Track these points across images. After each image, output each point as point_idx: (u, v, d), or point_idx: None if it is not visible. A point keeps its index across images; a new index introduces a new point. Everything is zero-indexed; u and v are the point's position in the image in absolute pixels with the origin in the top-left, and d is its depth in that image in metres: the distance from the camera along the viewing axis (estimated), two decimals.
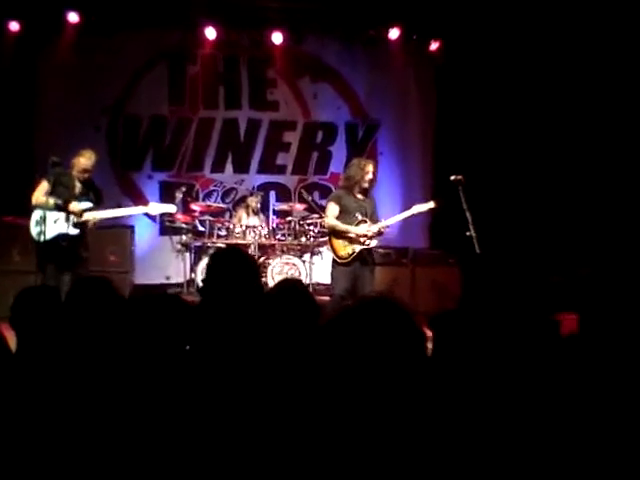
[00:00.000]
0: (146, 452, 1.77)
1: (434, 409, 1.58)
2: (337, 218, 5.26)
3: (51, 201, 5.21)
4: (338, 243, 5.23)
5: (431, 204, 5.48)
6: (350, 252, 5.18)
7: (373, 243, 5.27)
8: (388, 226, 5.38)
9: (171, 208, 6.04)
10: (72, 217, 5.27)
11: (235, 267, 2.53)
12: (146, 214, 6.77)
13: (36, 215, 5.24)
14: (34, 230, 5.22)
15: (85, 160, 5.37)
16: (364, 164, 5.28)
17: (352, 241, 5.19)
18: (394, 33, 8.42)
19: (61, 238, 5.27)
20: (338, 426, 1.51)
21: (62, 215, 5.25)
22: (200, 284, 6.88)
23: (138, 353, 2.20)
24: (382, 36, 8.48)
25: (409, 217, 5.56)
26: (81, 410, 1.90)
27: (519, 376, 1.87)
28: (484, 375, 1.87)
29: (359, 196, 5.27)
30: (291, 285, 2.52)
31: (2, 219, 7.06)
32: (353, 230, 5.19)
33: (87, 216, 5.31)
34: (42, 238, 5.12)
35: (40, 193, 5.27)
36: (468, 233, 5.20)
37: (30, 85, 7.89)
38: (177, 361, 2.26)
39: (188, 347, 2.39)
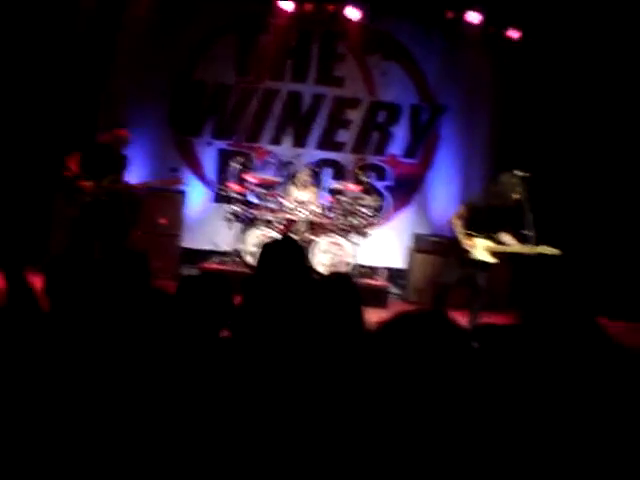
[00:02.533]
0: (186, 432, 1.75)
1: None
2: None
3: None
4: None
5: (557, 251, 5.27)
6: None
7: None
8: None
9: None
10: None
11: (287, 258, 2.48)
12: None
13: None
14: None
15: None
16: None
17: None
18: (473, 17, 8.12)
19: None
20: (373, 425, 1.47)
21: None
22: (247, 258, 6.88)
23: (176, 332, 2.16)
24: (460, 20, 8.18)
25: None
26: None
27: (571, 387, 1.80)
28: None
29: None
30: (339, 279, 2.45)
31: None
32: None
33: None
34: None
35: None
36: (526, 232, 5.05)
37: (109, 41, 7.94)
38: (214, 345, 2.22)
39: (229, 330, 2.35)
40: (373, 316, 2.34)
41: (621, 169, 7.49)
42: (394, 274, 7.85)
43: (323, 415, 1.72)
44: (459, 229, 5.49)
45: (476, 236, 5.42)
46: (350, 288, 2.46)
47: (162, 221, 7.18)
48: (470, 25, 8.19)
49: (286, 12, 8.17)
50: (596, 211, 7.57)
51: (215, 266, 7.14)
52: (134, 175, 7.91)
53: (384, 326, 1.61)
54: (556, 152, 7.81)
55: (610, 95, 7.48)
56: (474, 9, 8.07)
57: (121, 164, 5.97)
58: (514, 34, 8.14)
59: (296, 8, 8.15)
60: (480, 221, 5.40)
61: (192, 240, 7.89)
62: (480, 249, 5.44)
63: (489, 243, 5.43)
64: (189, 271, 7.14)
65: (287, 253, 2.70)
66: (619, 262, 7.34)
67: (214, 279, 2.35)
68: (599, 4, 7.14)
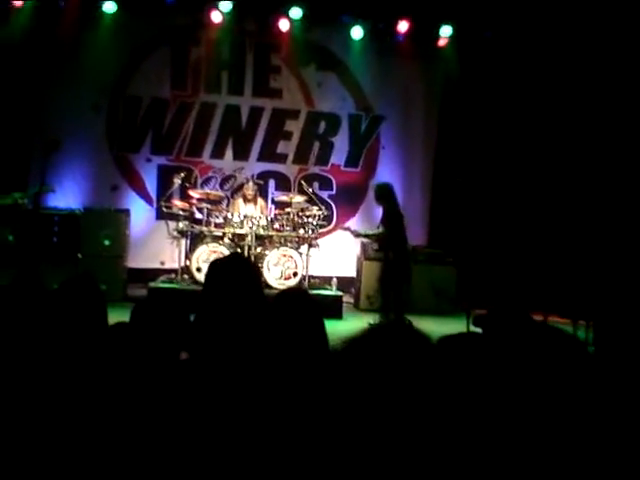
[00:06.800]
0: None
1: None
2: None
3: None
4: None
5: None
6: None
7: None
8: None
9: None
10: None
11: (237, 276, 2.42)
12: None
13: None
14: None
15: None
16: None
17: None
18: (403, 26, 8.29)
19: None
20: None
21: None
22: (196, 275, 6.78)
23: (130, 357, 2.12)
24: (391, 29, 8.33)
25: None
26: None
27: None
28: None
29: None
30: (296, 295, 2.44)
31: None
32: None
33: None
34: None
35: None
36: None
37: (39, 60, 7.68)
38: (172, 369, 2.18)
39: (186, 355, 2.31)
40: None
41: (558, 173, 7.75)
42: (344, 283, 7.90)
43: (292, 433, 1.71)
44: None
45: None
46: (310, 302, 2.45)
47: (107, 242, 7.01)
48: (401, 34, 8.36)
49: (216, 24, 8.09)
50: (533, 213, 7.82)
51: (164, 285, 7.01)
52: (73, 192, 7.73)
53: (350, 343, 1.61)
54: (492, 158, 8.06)
55: (542, 100, 7.77)
56: (403, 18, 8.24)
57: None
58: (442, 41, 8.38)
59: (226, 20, 8.07)
60: None
61: (138, 259, 7.74)
62: None
63: None
64: (137, 292, 6.98)
65: (237, 270, 2.65)
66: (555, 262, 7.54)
67: (168, 302, 2.31)
68: (528, 9, 7.41)
